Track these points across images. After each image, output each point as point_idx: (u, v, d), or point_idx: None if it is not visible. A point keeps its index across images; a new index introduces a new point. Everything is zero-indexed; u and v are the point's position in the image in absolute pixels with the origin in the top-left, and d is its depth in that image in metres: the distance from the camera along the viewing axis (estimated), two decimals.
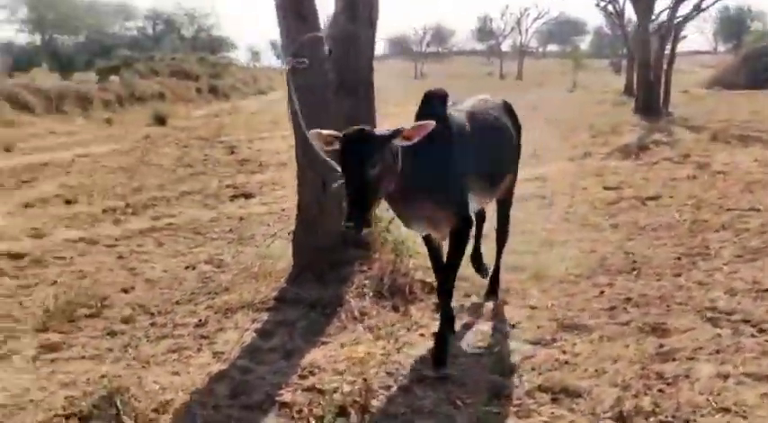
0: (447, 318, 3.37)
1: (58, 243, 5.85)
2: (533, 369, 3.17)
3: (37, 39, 44.52)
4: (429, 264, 4.40)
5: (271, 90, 38.30)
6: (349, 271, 4.17)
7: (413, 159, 2.85)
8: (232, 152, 11.57)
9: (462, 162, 3.15)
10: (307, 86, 3.96)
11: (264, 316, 3.81)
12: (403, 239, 4.42)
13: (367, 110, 4.60)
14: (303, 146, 4.08)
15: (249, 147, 12.34)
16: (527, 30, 54.15)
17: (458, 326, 3.66)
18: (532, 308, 3.98)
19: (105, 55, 37.12)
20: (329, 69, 4.13)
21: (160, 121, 17.16)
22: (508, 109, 3.95)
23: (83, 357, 3.37)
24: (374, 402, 2.86)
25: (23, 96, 18.10)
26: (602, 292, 4.18)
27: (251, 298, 4.02)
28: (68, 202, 7.59)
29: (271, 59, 60.96)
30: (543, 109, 18.09)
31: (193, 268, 5.11)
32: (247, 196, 7.87)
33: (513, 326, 3.72)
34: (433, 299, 4.09)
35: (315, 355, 3.33)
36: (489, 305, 4.01)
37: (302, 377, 3.09)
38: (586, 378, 3.04)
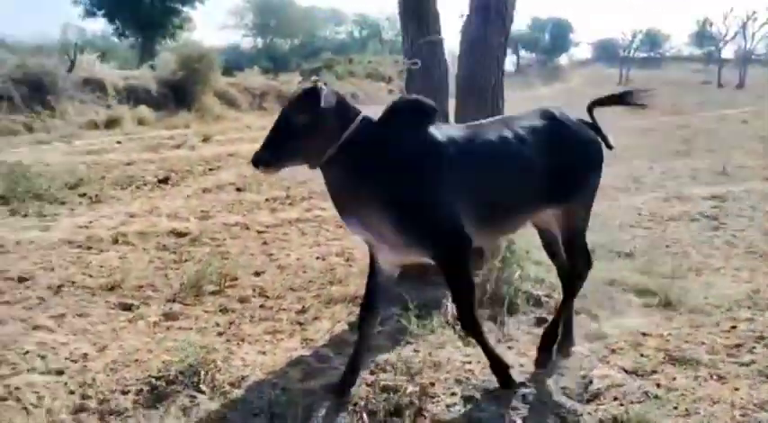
0: (490, 358, 3.01)
1: (217, 226, 6.46)
2: (616, 398, 2.91)
3: (259, 42, 48.98)
4: (540, 275, 4.28)
5: None
6: None
7: (366, 158, 2.72)
8: None
9: (448, 187, 2.78)
10: (423, 88, 3.99)
11: (357, 310, 3.91)
12: (514, 249, 4.28)
13: (492, 113, 4.50)
14: None
15: None
16: (753, 35, 48.79)
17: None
18: (644, 334, 3.64)
19: (314, 57, 39.90)
20: (446, 73, 4.11)
21: None
22: (556, 130, 3.12)
23: (191, 329, 3.71)
24: (431, 407, 2.83)
25: (232, 94, 20.10)
26: (733, 328, 3.70)
27: (355, 292, 4.14)
28: (239, 189, 8.33)
29: None
30: (755, 124, 16.32)
31: (323, 259, 5.37)
32: None
33: (614, 351, 3.44)
34: (538, 313, 3.93)
35: (394, 353, 3.35)
36: (593, 327, 3.74)
37: (372, 373, 3.13)
38: (672, 416, 2.73)
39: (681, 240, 5.92)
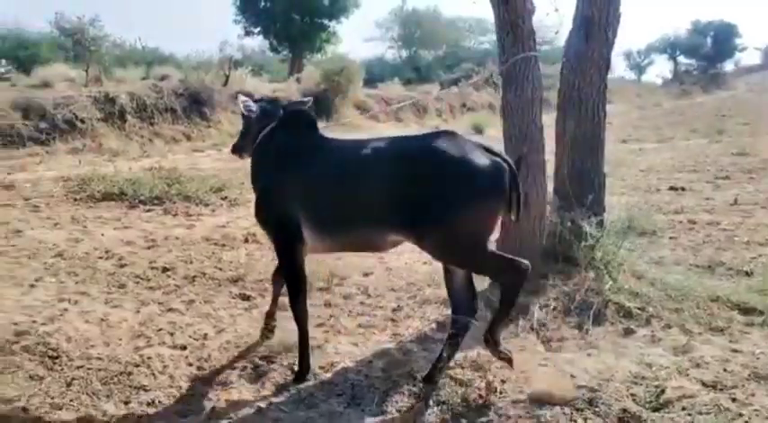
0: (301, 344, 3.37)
1: None
2: (685, 408, 2.93)
3: (403, 54, 50.06)
4: (636, 288, 4.28)
5: (608, 103, 37.38)
6: (544, 283, 4.25)
7: (257, 154, 3.60)
8: None
9: (292, 186, 3.27)
10: (516, 102, 4.16)
11: (447, 311, 4.14)
12: (609, 259, 4.31)
13: (592, 129, 4.57)
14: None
15: None
16: None
17: (637, 352, 3.52)
18: (734, 351, 3.56)
19: (456, 67, 40.20)
20: (539, 87, 4.25)
21: (478, 130, 18.28)
22: (419, 154, 3.00)
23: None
24: (497, 401, 3.01)
25: (370, 105, 20.91)
26: None
27: (444, 295, 4.38)
28: None
29: (623, 70, 58.78)
30: None
31: (429, 264, 5.64)
32: None
33: (698, 365, 3.41)
34: (627, 324, 3.95)
35: (474, 351, 3.56)
36: (682, 341, 3.70)
37: (451, 367, 3.36)
38: None
39: None
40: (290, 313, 4.22)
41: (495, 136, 17.64)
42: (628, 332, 3.83)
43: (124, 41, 22.93)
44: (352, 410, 3.01)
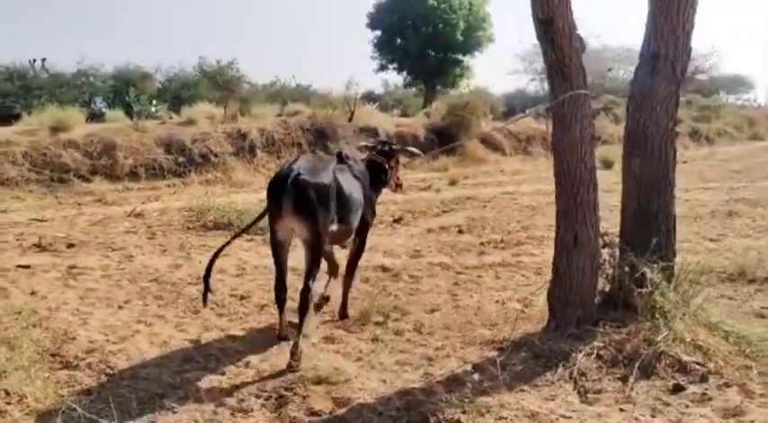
0: None
1: (422, 264, 6.98)
2: None
3: (546, 86, 49.11)
4: (702, 339, 3.94)
5: None
6: (594, 330, 4.02)
7: None
8: None
9: None
10: (565, 141, 4.03)
11: (490, 354, 4.05)
12: (670, 308, 4.00)
13: (659, 169, 4.30)
14: (558, 200, 4.17)
15: None
16: None
17: (678, 411, 3.23)
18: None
19: (597, 99, 38.83)
20: (589, 125, 4.07)
21: (607, 165, 17.49)
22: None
23: (338, 352, 4.24)
24: None
25: (496, 138, 20.77)
26: None
27: (494, 336, 4.29)
28: (461, 231, 8.78)
29: None
30: None
31: (502, 303, 5.53)
32: None
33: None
34: (679, 379, 3.64)
35: (499, 398, 3.45)
36: (736, 402, 3.34)
37: (465, 412, 3.28)
38: None
39: None
40: (337, 346, 4.38)
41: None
42: (677, 389, 3.52)
43: (257, 82, 24.60)
44: None
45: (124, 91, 21.82)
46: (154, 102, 18.45)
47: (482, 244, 8.00)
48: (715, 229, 8.88)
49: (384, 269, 6.72)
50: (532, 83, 49.08)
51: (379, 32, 30.81)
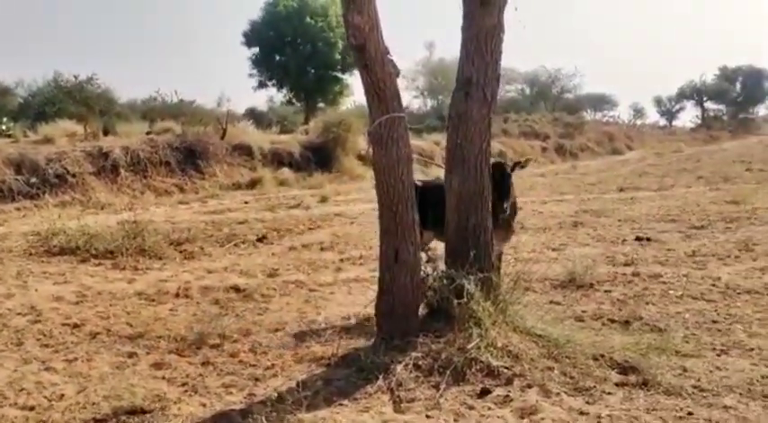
0: None
1: (277, 283, 6.96)
2: None
3: (429, 103, 50.52)
4: (514, 343, 4.19)
5: (628, 150, 37.18)
6: (414, 341, 4.19)
7: None
8: None
9: None
10: (384, 161, 4.21)
11: (317, 370, 4.13)
12: (482, 317, 4.24)
13: (476, 186, 4.57)
14: (380, 218, 4.35)
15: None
16: None
17: (478, 414, 3.43)
18: (581, 413, 3.45)
19: None
20: (405, 146, 4.29)
21: None
22: None
23: (163, 378, 4.16)
24: None
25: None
26: None
27: (324, 352, 4.37)
28: (323, 249, 8.86)
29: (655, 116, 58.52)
30: None
31: (348, 319, 5.61)
32: None
33: None
34: (487, 383, 3.86)
35: (315, 413, 3.52)
36: (532, 402, 3.60)
37: None
38: None
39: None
40: (165, 372, 4.30)
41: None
42: (483, 393, 3.74)
43: (120, 97, 23.50)
44: None
45: None
46: (4, 119, 17.28)
47: (341, 261, 8.11)
48: (560, 238, 9.49)
49: (237, 289, 6.66)
50: (416, 100, 50.59)
51: (256, 49, 30.59)
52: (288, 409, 3.59)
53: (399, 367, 3.96)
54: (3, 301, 6.01)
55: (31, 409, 3.70)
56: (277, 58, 30.45)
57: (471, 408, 3.58)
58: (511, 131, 32.73)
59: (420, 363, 4.02)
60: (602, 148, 36.06)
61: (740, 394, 3.76)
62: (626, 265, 7.51)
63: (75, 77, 20.54)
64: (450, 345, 4.10)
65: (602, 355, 4.26)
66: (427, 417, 3.49)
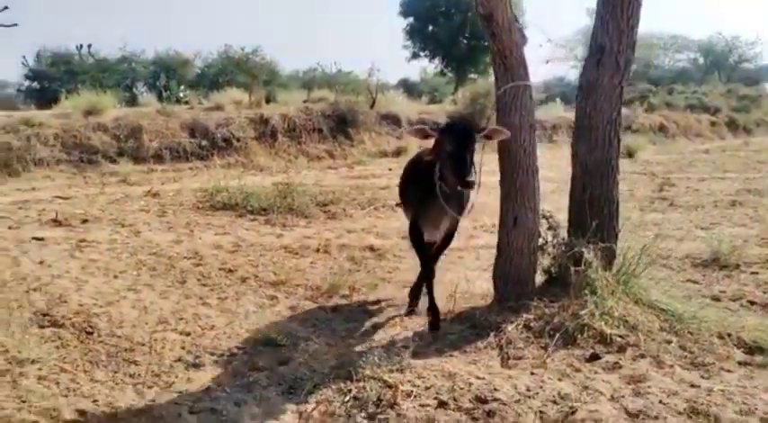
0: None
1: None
2: None
3: None
4: (628, 314, 4.19)
5: None
6: (531, 305, 4.30)
7: None
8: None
9: None
10: (507, 128, 4.31)
11: None
12: (602, 285, 4.25)
13: (603, 156, 4.53)
14: (501, 184, 4.47)
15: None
16: None
17: (585, 376, 3.52)
18: (692, 385, 3.42)
19: (632, 88, 38.04)
20: (529, 113, 4.34)
21: (629, 154, 17.43)
22: None
23: (306, 319, 4.64)
24: (404, 405, 3.25)
25: None
26: None
27: (441, 309, 4.62)
28: None
29: None
30: None
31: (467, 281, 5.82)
32: None
33: (638, 394, 3.34)
34: (598, 349, 3.91)
35: (426, 361, 3.79)
36: (642, 370, 3.61)
37: (390, 371, 3.63)
38: None
39: None
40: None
41: (646, 159, 16.82)
42: (592, 358, 3.80)
43: (284, 68, 25.18)
44: None
45: (162, 77, 22.71)
46: (181, 87, 19.11)
47: (474, 228, 8.26)
48: (712, 217, 8.97)
49: (372, 249, 7.08)
50: (573, 70, 48.55)
51: (411, 20, 30.98)
52: (400, 354, 3.89)
53: (510, 327, 4.11)
54: (173, 246, 6.86)
55: (188, 334, 4.32)
56: (430, 28, 30.64)
57: (578, 370, 3.67)
58: (676, 104, 30.53)
59: (531, 324, 4.15)
60: None
61: None
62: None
63: (242, 49, 22.21)
64: (564, 310, 4.17)
65: (729, 335, 4.12)
66: (532, 373, 3.63)
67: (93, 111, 14.28)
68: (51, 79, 24.86)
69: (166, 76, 24.32)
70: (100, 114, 14.17)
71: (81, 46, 26.25)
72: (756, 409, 3.17)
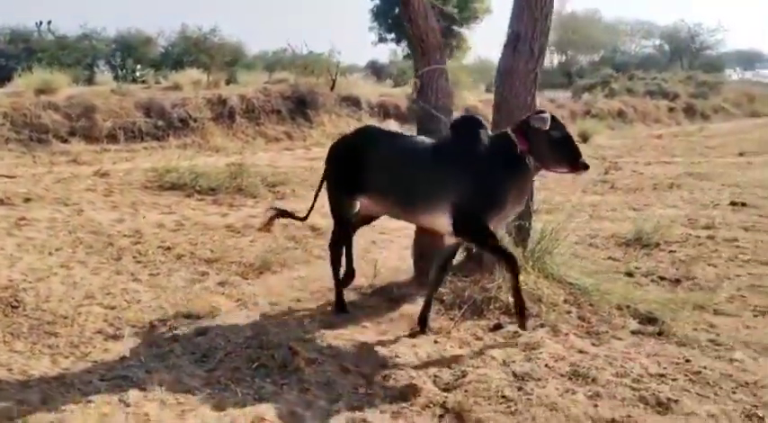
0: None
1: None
2: (467, 391, 3.18)
3: (555, 59, 48.77)
4: (535, 288, 4.43)
5: None
6: (445, 279, 4.51)
7: None
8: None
9: None
10: (424, 110, 4.49)
11: (355, 298, 4.59)
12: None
13: None
14: None
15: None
16: None
17: (482, 344, 3.75)
18: (580, 351, 3.67)
19: (596, 74, 38.53)
20: (446, 96, 4.53)
21: (583, 138, 17.79)
22: None
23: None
24: (306, 370, 3.45)
25: (480, 110, 21.05)
26: None
27: (362, 284, 4.81)
28: None
29: None
30: None
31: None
32: None
33: (529, 359, 3.57)
34: (502, 320, 4.15)
35: (341, 331, 3.99)
36: (537, 339, 3.86)
37: (298, 340, 3.81)
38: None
39: None
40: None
41: (599, 144, 17.21)
42: (495, 328, 4.05)
43: (250, 50, 25.03)
44: None
45: (118, 56, 22.42)
46: (138, 66, 18.93)
47: None
48: (647, 199, 9.32)
49: (314, 229, 7.20)
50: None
51: (377, 0, 30.92)
52: (316, 326, 4.08)
53: (422, 300, 4.32)
54: (114, 225, 6.93)
55: (112, 308, 4.44)
56: (396, 10, 30.58)
57: (479, 339, 3.90)
58: (636, 90, 31.10)
59: (444, 298, 4.37)
60: (739, 110, 33.45)
61: (754, 351, 3.80)
62: (705, 228, 7.33)
63: (200, 29, 22.02)
64: (475, 284, 4.40)
65: (629, 306, 4.39)
66: (435, 342, 3.85)
67: (47, 89, 14.11)
68: (9, 57, 24.33)
69: (128, 54, 24.05)
70: (53, 93, 14.02)
71: (40, 23, 25.67)
72: (632, 371, 3.43)
